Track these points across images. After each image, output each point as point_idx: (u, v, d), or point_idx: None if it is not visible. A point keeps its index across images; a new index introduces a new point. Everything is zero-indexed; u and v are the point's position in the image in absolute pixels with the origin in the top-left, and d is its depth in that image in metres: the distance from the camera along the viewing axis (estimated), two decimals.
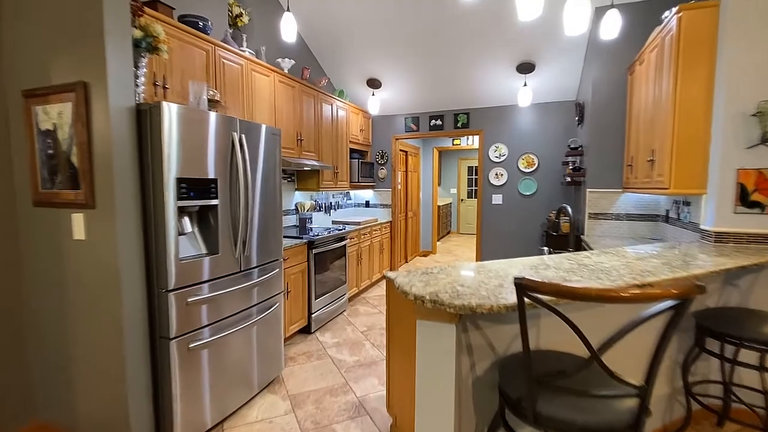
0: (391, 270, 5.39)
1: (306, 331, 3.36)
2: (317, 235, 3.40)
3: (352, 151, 4.86)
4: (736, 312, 1.73)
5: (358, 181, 4.79)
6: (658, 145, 2.40)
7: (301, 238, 3.27)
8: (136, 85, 1.83)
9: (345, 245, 3.87)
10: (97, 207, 1.69)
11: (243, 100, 2.87)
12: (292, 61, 3.55)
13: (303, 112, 3.65)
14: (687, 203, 2.64)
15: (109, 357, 1.73)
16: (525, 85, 4.07)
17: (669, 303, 0.92)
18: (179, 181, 1.78)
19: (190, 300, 1.86)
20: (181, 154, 1.79)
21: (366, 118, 5.14)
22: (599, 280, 1.31)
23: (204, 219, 2.02)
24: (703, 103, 2.15)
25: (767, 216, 2.02)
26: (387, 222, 5.17)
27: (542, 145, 4.61)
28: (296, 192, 4.08)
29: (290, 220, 3.98)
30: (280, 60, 3.48)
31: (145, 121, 1.73)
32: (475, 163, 9.65)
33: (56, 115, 1.71)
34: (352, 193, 5.42)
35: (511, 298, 1.09)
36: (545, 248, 1.88)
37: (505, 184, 4.81)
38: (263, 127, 2.34)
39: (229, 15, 3.12)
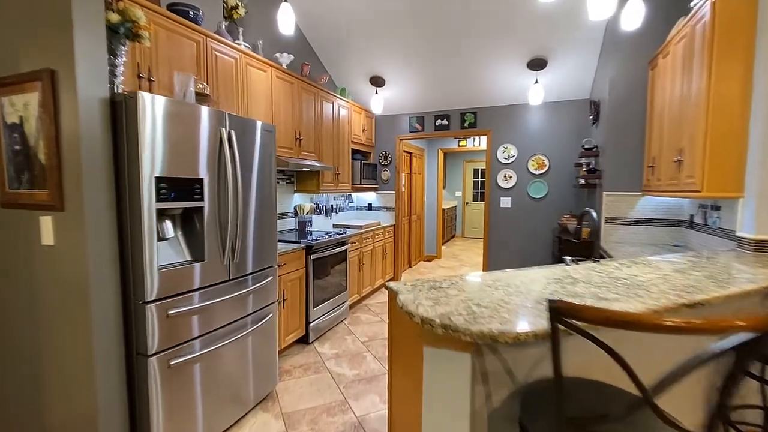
0: (394, 276, 5.19)
1: (304, 341, 3.17)
2: (316, 240, 3.21)
3: (354, 151, 4.68)
4: None
5: (361, 183, 4.60)
6: (688, 144, 2.19)
7: (299, 242, 3.08)
8: (114, 75, 1.66)
9: (346, 250, 3.68)
10: (66, 209, 1.51)
11: (237, 96, 2.70)
12: (291, 56, 3.38)
13: (302, 110, 3.47)
14: (716, 207, 2.43)
15: (80, 376, 1.54)
16: (536, 82, 3.87)
17: (747, 335, 0.72)
18: (159, 180, 1.60)
19: (171, 312, 1.68)
20: (162, 150, 1.61)
21: (369, 117, 4.96)
22: (639, 298, 1.11)
23: (189, 223, 1.84)
24: (740, 98, 1.94)
25: None
26: (390, 226, 4.97)
27: (553, 146, 4.39)
28: (295, 194, 3.90)
29: (289, 224, 3.80)
30: (278, 55, 3.31)
31: (120, 113, 1.56)
32: (480, 165, 9.44)
33: (22, 107, 1.54)
34: (354, 195, 5.23)
35: (540, 322, 0.89)
36: (567, 258, 1.68)
37: (514, 186, 4.60)
38: (256, 123, 2.17)
39: (224, 7, 2.95)
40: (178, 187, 1.68)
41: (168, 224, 1.70)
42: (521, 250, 4.60)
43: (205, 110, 1.81)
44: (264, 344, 2.26)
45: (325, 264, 3.33)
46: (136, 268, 1.59)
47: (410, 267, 6.23)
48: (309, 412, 2.22)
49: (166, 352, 1.66)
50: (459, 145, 6.98)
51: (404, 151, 5.65)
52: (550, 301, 0.78)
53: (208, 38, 2.44)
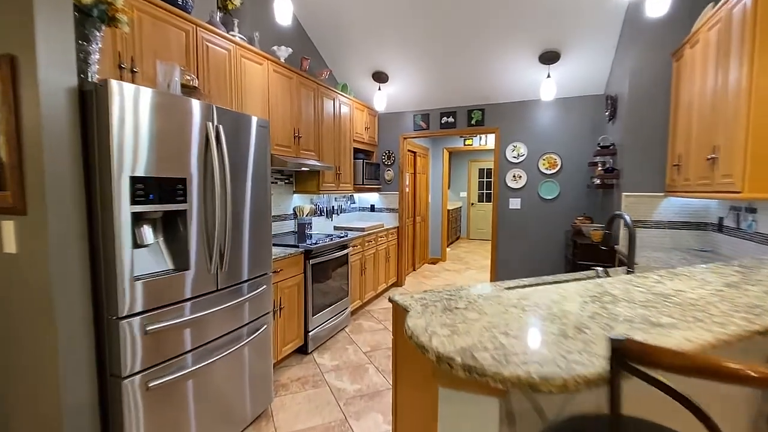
0: (397, 280, 4.99)
1: (302, 351, 2.98)
2: (316, 243, 3.02)
3: (356, 150, 4.49)
4: None
5: (363, 184, 4.41)
6: (724, 141, 1.99)
7: (298, 246, 2.89)
8: (87, 63, 1.48)
9: (347, 254, 3.49)
10: (28, 213, 1.33)
11: (231, 90, 2.52)
12: (290, 50, 3.20)
13: (301, 107, 3.28)
14: (752, 210, 2.22)
15: (46, 400, 1.37)
16: (548, 76, 3.66)
17: None
18: (135, 180, 1.42)
19: (150, 329, 1.49)
20: (139, 146, 1.43)
21: (371, 115, 4.77)
22: (700, 322, 0.91)
23: (171, 228, 1.65)
24: None
25: None
26: (394, 227, 4.78)
27: (566, 144, 4.18)
28: (294, 195, 3.71)
29: (288, 226, 3.62)
30: (275, 48, 3.12)
31: (90, 105, 1.38)
32: (486, 165, 9.23)
33: None
34: (356, 196, 5.04)
35: (591, 362, 0.70)
36: (598, 268, 1.48)
37: (523, 187, 4.39)
38: (250, 117, 1.98)
39: None
40: (157, 188, 1.50)
41: (146, 229, 1.51)
42: (532, 253, 4.39)
43: (188, 102, 1.63)
44: (257, 359, 2.08)
45: (325, 269, 3.14)
46: (109, 280, 1.40)
47: (414, 270, 6.03)
48: None
49: (143, 373, 1.48)
50: (465, 144, 6.77)
51: (408, 150, 5.45)
52: (614, 341, 0.59)
53: (198, 27, 2.26)
